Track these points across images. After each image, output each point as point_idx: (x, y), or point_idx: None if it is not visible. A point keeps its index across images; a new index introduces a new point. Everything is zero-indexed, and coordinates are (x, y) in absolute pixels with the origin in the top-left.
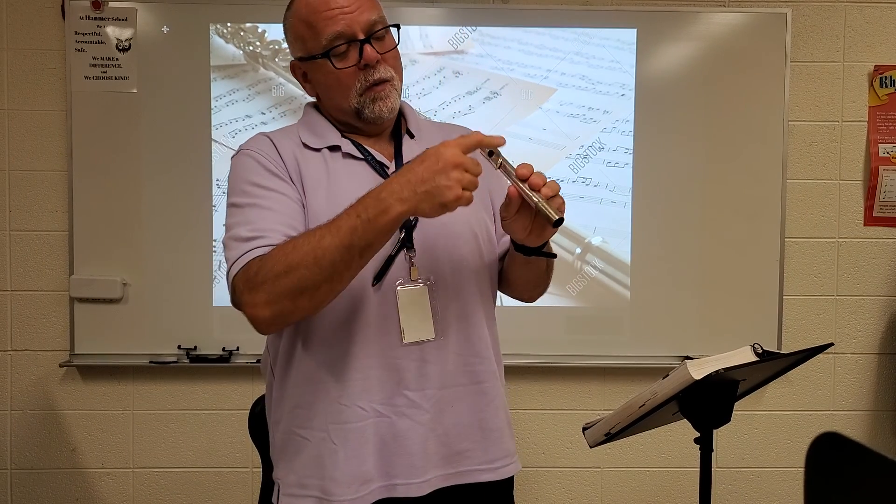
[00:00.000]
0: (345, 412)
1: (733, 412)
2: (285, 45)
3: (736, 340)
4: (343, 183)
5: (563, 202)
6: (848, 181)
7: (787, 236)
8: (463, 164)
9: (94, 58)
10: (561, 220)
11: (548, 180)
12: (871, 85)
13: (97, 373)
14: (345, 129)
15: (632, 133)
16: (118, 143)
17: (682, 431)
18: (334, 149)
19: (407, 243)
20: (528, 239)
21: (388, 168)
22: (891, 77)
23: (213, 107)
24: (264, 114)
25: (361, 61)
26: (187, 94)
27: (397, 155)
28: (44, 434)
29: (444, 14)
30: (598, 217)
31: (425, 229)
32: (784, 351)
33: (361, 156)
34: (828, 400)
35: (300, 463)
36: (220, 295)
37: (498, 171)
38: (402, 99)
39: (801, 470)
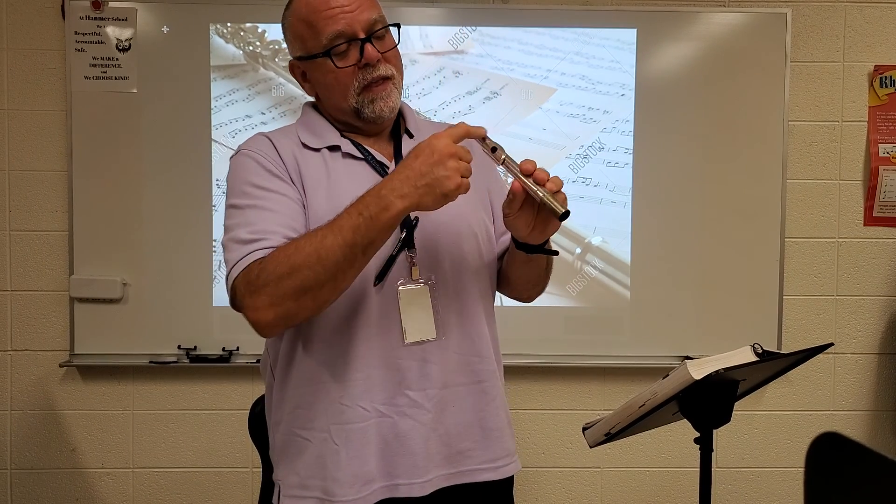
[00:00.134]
0: (347, 412)
1: (733, 412)
2: (285, 45)
3: (736, 340)
4: (343, 183)
5: (566, 198)
6: (848, 181)
7: (787, 236)
8: (457, 153)
9: (94, 58)
10: (567, 213)
11: (551, 176)
12: (871, 85)
13: (97, 373)
14: (344, 128)
15: (632, 133)
16: (118, 143)
17: (682, 431)
18: (334, 149)
19: (408, 243)
20: (531, 236)
21: (387, 167)
22: (891, 77)
23: (213, 107)
24: (264, 114)
25: (362, 60)
26: (187, 94)
27: (397, 154)
28: (44, 434)
29: (444, 14)
30: (598, 217)
31: (426, 229)
32: (784, 351)
33: (361, 155)
34: (828, 400)
35: (301, 464)
36: (220, 295)
37: (501, 166)
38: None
39: (801, 470)
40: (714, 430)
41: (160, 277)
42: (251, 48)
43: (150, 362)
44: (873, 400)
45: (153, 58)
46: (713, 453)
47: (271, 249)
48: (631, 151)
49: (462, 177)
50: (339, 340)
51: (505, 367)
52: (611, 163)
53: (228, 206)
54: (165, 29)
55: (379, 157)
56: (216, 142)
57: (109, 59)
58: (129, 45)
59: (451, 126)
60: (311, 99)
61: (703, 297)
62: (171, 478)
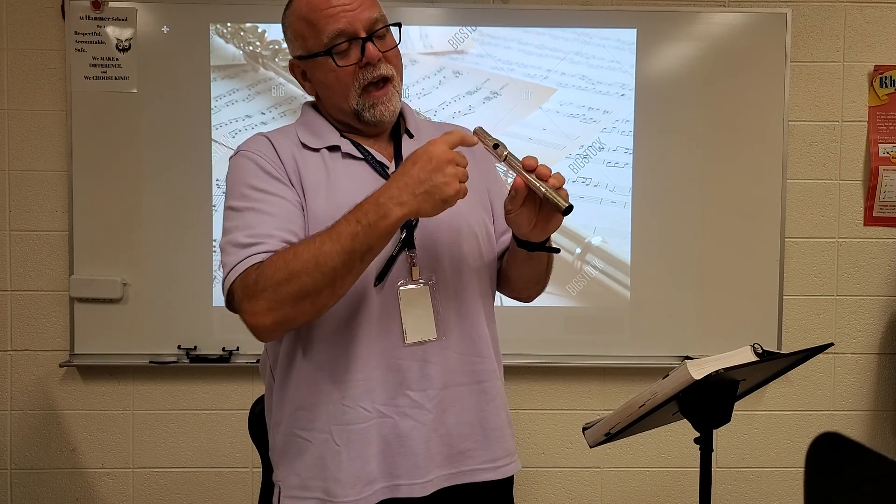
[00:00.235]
0: (348, 413)
1: (733, 412)
2: (285, 45)
3: (736, 340)
4: (343, 183)
5: (568, 194)
6: (848, 181)
7: (787, 236)
8: (454, 159)
9: (94, 58)
10: (571, 207)
11: (552, 173)
12: (871, 85)
13: (97, 373)
14: (344, 128)
15: (632, 133)
16: (118, 143)
17: (682, 431)
18: (333, 149)
19: (408, 243)
20: (533, 233)
21: (388, 168)
22: (891, 77)
23: (212, 107)
24: (264, 114)
25: (363, 59)
26: (187, 94)
27: (397, 155)
28: (44, 434)
29: (444, 14)
30: (598, 217)
31: (426, 229)
32: (784, 351)
33: (361, 156)
34: (828, 400)
35: (302, 465)
36: (220, 295)
37: (503, 163)
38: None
39: (801, 470)
40: (714, 430)
41: (160, 277)
42: (251, 48)
43: (150, 362)
44: (873, 400)
45: (153, 58)
46: (713, 453)
47: (269, 254)
48: (631, 151)
49: (459, 182)
50: (339, 341)
51: (505, 367)
52: (611, 163)
53: (227, 208)
54: (165, 29)
55: (379, 157)
56: (216, 142)
57: (109, 59)
58: (129, 45)
59: (447, 132)
60: (311, 99)
61: (703, 297)
62: (171, 478)
